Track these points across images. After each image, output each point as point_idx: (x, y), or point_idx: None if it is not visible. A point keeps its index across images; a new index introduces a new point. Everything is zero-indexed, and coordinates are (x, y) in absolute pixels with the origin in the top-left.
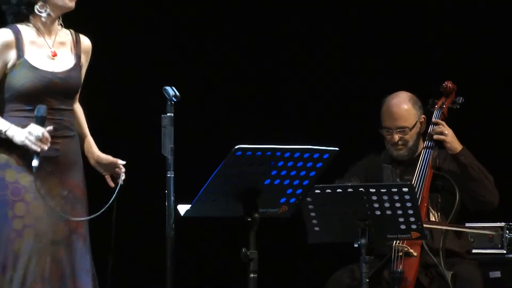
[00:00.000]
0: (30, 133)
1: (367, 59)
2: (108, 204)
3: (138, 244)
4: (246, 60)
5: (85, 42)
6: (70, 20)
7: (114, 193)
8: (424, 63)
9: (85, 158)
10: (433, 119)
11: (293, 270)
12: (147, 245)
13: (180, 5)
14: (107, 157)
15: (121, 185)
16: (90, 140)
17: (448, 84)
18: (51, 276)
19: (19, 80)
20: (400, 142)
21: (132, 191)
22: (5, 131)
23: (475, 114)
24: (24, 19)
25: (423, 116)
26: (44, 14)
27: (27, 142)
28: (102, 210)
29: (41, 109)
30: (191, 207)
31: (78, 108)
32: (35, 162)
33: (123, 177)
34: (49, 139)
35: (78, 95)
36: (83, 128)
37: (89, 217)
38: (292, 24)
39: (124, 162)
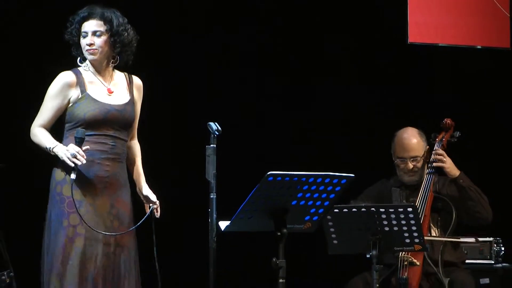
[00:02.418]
0: (68, 150)
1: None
2: (134, 227)
3: (185, 253)
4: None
5: (137, 81)
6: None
7: (142, 219)
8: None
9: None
10: (435, 150)
11: (316, 276)
12: (193, 255)
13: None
14: (146, 192)
15: (150, 215)
16: (139, 171)
17: (447, 121)
18: (96, 279)
19: (82, 110)
20: (415, 169)
21: (182, 209)
22: (52, 148)
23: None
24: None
25: (428, 146)
26: (88, 62)
27: (65, 158)
28: (130, 229)
29: (80, 132)
30: (230, 223)
31: (136, 144)
32: (73, 175)
33: (157, 211)
34: (84, 156)
35: (135, 132)
36: (136, 161)
37: (119, 233)
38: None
39: (155, 201)
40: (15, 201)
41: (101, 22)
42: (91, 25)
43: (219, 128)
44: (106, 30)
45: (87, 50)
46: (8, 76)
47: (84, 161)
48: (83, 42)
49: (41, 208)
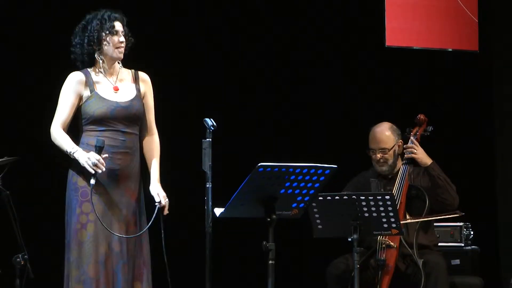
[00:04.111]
0: (89, 158)
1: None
2: (148, 224)
3: (183, 238)
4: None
5: (142, 76)
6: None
7: (152, 217)
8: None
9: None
10: (406, 146)
11: (302, 258)
12: (190, 239)
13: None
14: (154, 190)
15: (157, 214)
16: (151, 169)
17: (421, 116)
18: (106, 261)
19: (91, 108)
20: (381, 160)
21: (181, 198)
22: (73, 153)
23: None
24: (90, 65)
25: (401, 140)
26: (100, 61)
27: (86, 165)
28: (145, 229)
29: (100, 141)
30: (224, 210)
31: (152, 141)
32: (92, 181)
33: (164, 209)
34: (104, 164)
35: (151, 126)
36: (150, 157)
37: (132, 236)
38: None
39: (158, 202)
40: (30, 189)
41: (122, 24)
42: (119, 25)
43: (214, 123)
44: (125, 31)
45: (118, 48)
46: (8, 73)
47: (104, 169)
48: (115, 39)
49: (55, 195)
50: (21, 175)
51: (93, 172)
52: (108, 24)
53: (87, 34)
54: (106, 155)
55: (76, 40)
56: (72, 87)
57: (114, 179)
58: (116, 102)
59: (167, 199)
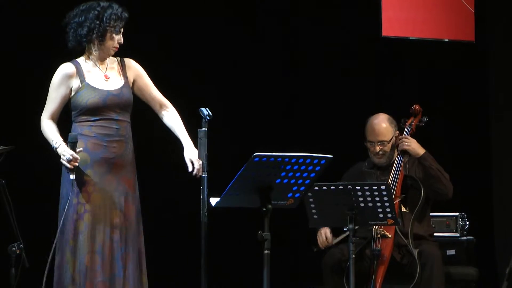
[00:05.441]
0: (63, 155)
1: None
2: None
3: (179, 227)
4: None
5: (128, 62)
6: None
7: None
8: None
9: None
10: (400, 136)
11: (297, 248)
12: (187, 228)
13: None
14: (188, 155)
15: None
16: (184, 135)
17: (416, 106)
18: (103, 250)
19: (83, 98)
20: (380, 152)
21: (175, 187)
22: (56, 148)
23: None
24: (82, 53)
25: (397, 131)
26: (95, 51)
27: (63, 162)
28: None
29: (71, 136)
30: (220, 199)
31: (168, 113)
32: (72, 176)
33: (200, 170)
34: (78, 158)
35: (161, 100)
36: (180, 125)
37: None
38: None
39: (190, 169)
40: (25, 180)
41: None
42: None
43: (210, 113)
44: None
45: (115, 47)
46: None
47: (77, 164)
48: (117, 38)
49: (51, 184)
50: (17, 164)
51: (70, 167)
52: (119, 23)
53: (97, 22)
54: (81, 148)
55: (81, 19)
56: (61, 79)
57: (110, 168)
58: (108, 90)
59: (200, 161)
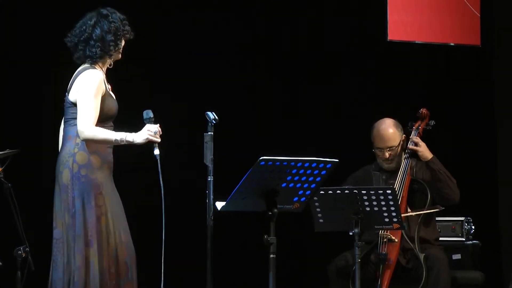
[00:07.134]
0: (149, 130)
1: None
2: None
3: (185, 231)
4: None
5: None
6: None
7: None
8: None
9: None
10: (411, 137)
11: (303, 252)
12: (192, 231)
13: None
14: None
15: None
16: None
17: (423, 110)
18: (117, 253)
19: (107, 105)
20: (390, 158)
21: (182, 190)
22: (125, 138)
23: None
24: (93, 64)
25: (404, 135)
26: (108, 64)
27: (150, 137)
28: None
29: (149, 113)
30: (226, 203)
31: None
32: (157, 151)
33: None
34: (161, 133)
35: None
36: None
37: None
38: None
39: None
40: (31, 183)
41: None
42: None
43: (216, 117)
44: None
45: (121, 52)
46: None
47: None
48: (121, 49)
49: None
50: (23, 168)
51: (159, 140)
52: (128, 36)
53: (112, 37)
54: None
55: (98, 31)
56: (99, 86)
57: (111, 171)
58: (116, 100)
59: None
